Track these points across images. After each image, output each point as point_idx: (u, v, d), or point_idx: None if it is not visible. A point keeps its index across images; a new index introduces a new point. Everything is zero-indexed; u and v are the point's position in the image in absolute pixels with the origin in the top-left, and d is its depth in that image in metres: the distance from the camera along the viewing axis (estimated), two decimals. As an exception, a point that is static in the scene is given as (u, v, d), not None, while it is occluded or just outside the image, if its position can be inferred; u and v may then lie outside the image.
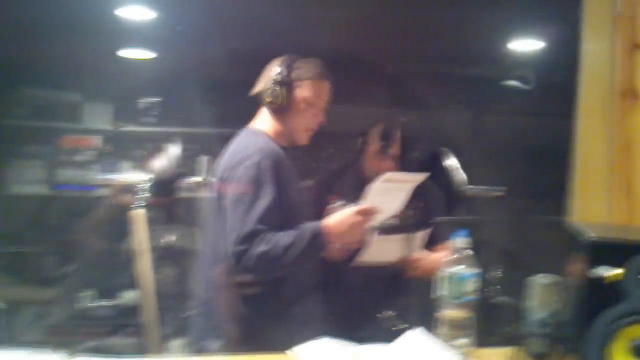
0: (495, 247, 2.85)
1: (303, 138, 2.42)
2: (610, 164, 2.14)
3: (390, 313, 2.47)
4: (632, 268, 1.62)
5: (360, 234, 2.23)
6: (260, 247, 2.09)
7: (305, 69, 2.38)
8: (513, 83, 4.24)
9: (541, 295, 1.83)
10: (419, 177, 2.30)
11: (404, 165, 2.63)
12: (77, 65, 4.07)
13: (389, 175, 2.23)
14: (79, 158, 4.50)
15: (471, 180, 2.90)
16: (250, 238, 2.10)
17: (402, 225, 2.49)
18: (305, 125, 2.40)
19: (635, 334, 1.64)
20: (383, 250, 2.46)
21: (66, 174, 4.48)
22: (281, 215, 2.17)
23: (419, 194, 2.43)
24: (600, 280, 1.61)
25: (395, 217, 2.41)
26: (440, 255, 2.53)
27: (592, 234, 1.67)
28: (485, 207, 3.24)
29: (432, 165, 3.07)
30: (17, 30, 3.60)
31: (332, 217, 2.19)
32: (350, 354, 1.82)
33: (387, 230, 2.45)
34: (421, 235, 2.52)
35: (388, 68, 4.14)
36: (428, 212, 2.63)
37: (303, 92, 2.36)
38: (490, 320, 2.15)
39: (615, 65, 2.16)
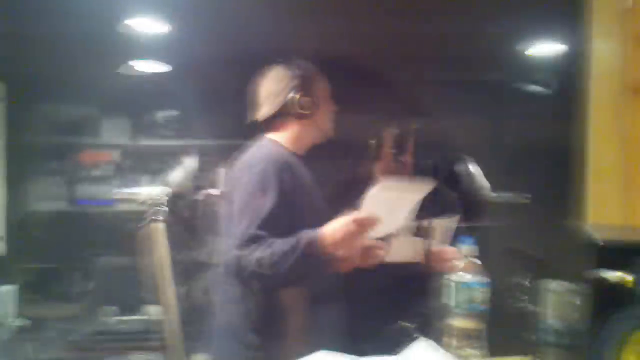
0: (514, 254, 2.77)
1: (330, 130, 2.46)
2: (624, 163, 2.07)
3: (407, 324, 2.40)
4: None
5: (356, 243, 2.20)
6: (257, 253, 2.08)
7: (311, 68, 2.42)
8: (532, 87, 4.16)
9: (556, 303, 1.78)
10: (423, 187, 2.23)
11: (419, 172, 2.59)
12: (93, 80, 4.08)
13: (386, 182, 2.19)
14: (97, 173, 4.52)
15: (498, 187, 2.85)
16: (249, 243, 2.09)
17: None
18: (330, 118, 2.45)
19: None
20: (405, 249, 2.42)
21: (86, 189, 4.50)
22: (289, 222, 2.15)
23: (434, 200, 2.37)
24: (609, 284, 1.56)
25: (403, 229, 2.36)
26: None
27: (599, 237, 1.61)
28: (507, 214, 3.19)
29: (452, 173, 3.03)
30: (34, 46, 3.65)
31: (328, 225, 2.15)
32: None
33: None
34: (442, 224, 2.46)
35: (402, 74, 4.11)
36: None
37: (322, 87, 2.41)
38: (513, 329, 2.07)
39: (625, 61, 2.09)
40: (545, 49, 3.87)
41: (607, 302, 1.57)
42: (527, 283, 2.58)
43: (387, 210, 2.17)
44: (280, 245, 2.09)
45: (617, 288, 1.55)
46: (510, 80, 4.28)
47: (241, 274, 2.14)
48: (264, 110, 2.39)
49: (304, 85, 2.34)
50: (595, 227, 1.83)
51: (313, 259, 2.12)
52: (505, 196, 3.51)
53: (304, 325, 2.24)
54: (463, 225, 2.65)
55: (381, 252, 2.42)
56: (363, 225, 2.13)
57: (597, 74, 2.17)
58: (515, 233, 3.32)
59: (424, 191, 2.21)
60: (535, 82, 4.17)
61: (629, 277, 1.55)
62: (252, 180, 2.19)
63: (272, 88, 2.38)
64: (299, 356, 1.81)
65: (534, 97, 4.24)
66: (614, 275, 1.55)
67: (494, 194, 3.23)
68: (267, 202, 2.14)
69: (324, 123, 2.42)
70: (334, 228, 2.13)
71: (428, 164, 2.57)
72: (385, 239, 2.40)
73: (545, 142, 3.69)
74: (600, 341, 1.57)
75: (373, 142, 2.73)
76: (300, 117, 2.36)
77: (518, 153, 4.31)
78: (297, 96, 2.33)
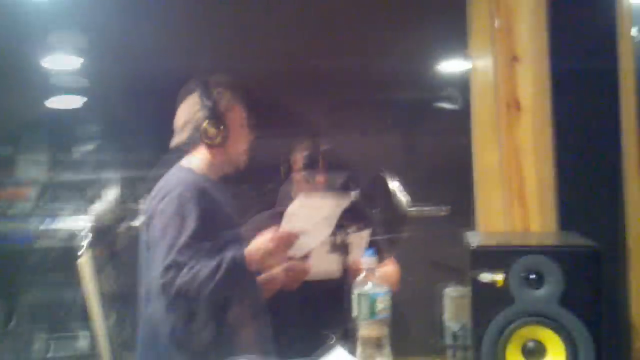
0: (432, 263, 2.92)
1: (243, 160, 2.46)
2: (503, 173, 2.21)
3: (328, 334, 2.49)
4: (514, 271, 1.67)
5: (280, 259, 2.27)
6: (181, 278, 2.11)
7: (227, 92, 2.42)
8: (441, 103, 4.34)
9: (453, 307, 1.88)
10: (341, 199, 2.31)
11: (335, 190, 2.64)
12: (8, 116, 4.09)
13: (303, 198, 2.27)
14: (16, 209, 4.45)
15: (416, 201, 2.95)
16: (171, 269, 2.12)
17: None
18: (244, 147, 2.45)
19: (526, 335, 1.69)
20: (323, 263, 2.47)
21: (4, 226, 4.41)
22: (208, 245, 2.18)
23: (352, 216, 2.47)
24: (486, 286, 1.66)
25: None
26: (387, 268, 2.60)
27: (475, 242, 1.74)
28: (426, 225, 3.31)
29: (371, 188, 3.13)
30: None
31: (251, 244, 2.21)
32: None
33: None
34: (358, 238, 2.50)
35: (315, 95, 4.22)
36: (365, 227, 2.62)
37: (235, 116, 2.41)
38: (423, 334, 2.21)
39: (497, 77, 2.22)
40: (449, 66, 4.05)
41: (485, 304, 1.68)
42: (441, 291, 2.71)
43: (308, 224, 2.24)
44: (203, 268, 2.12)
45: (494, 289, 1.66)
46: (418, 97, 4.41)
47: (166, 299, 2.18)
48: (177, 138, 2.42)
49: (213, 115, 2.34)
50: (481, 235, 1.98)
51: (237, 277, 2.17)
52: (425, 209, 3.64)
53: (230, 338, 2.29)
54: (384, 237, 2.75)
55: (303, 273, 2.50)
56: (284, 241, 2.20)
57: (476, 88, 2.31)
58: (433, 243, 3.42)
59: (343, 203, 2.29)
60: (441, 99, 4.33)
61: (499, 278, 1.66)
62: (168, 207, 2.21)
63: (183, 117, 2.40)
64: None
65: (441, 112, 4.38)
66: (487, 277, 1.67)
67: (413, 207, 3.33)
68: (185, 227, 2.17)
69: (235, 152, 2.43)
70: (256, 247, 2.19)
71: (343, 182, 2.65)
72: (306, 256, 2.46)
73: (452, 156, 3.88)
74: (482, 342, 1.67)
75: (285, 163, 2.78)
76: (210, 145, 2.37)
77: (430, 167, 4.46)
78: (205, 126, 2.34)
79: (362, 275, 1.89)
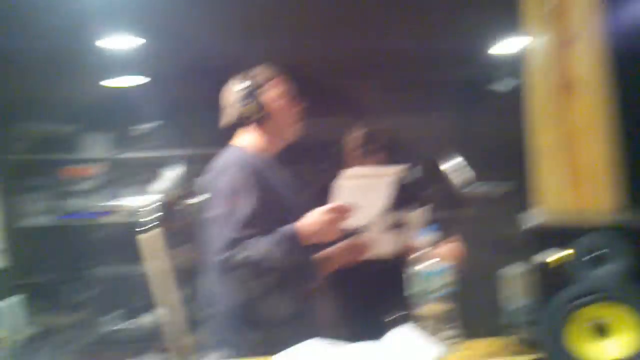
0: (494, 242, 2.88)
1: (295, 131, 2.47)
2: (564, 152, 2.19)
3: (396, 313, 2.50)
4: (580, 249, 1.66)
5: (334, 232, 2.25)
6: (241, 255, 2.15)
7: (262, 72, 2.45)
8: (495, 85, 4.27)
9: (515, 286, 1.86)
10: (394, 170, 2.28)
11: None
12: (71, 96, 4.18)
13: (351, 170, 2.24)
14: (81, 187, 4.60)
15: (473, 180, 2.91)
16: (230, 247, 2.16)
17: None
18: (293, 117, 2.47)
19: (591, 314, 1.67)
20: (382, 240, 2.49)
21: (71, 204, 4.58)
22: (268, 222, 2.21)
23: (410, 194, 2.48)
24: (549, 264, 1.65)
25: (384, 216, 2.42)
26: (451, 245, 2.60)
27: (537, 221, 1.72)
28: (490, 204, 3.25)
29: (431, 166, 3.11)
30: (15, 66, 3.70)
31: (304, 219, 2.23)
32: (336, 353, 1.85)
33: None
34: (415, 216, 2.51)
35: (371, 75, 4.20)
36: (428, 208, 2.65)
37: (272, 92, 2.43)
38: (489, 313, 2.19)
39: (552, 58, 2.20)
40: (505, 46, 3.97)
41: (547, 283, 1.66)
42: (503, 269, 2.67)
43: (360, 197, 2.22)
44: (261, 244, 2.16)
45: (555, 268, 1.65)
46: (474, 78, 4.37)
47: (229, 275, 2.22)
48: (226, 119, 2.46)
49: (255, 93, 2.38)
50: (542, 213, 1.95)
51: (294, 252, 2.20)
52: (485, 187, 3.58)
53: (296, 317, 2.31)
54: (445, 216, 2.72)
55: (364, 249, 2.53)
56: (337, 214, 2.20)
57: (531, 70, 2.28)
58: (494, 222, 3.37)
59: (397, 174, 2.26)
60: (498, 79, 4.27)
61: (566, 257, 1.64)
62: (225, 186, 2.26)
63: (230, 97, 2.45)
64: (292, 345, 1.91)
65: (499, 93, 4.33)
66: (550, 255, 1.65)
67: (477, 185, 3.30)
68: (244, 205, 2.21)
69: (284, 126, 2.45)
70: (309, 221, 2.21)
71: (399, 162, 2.63)
72: (365, 233, 2.48)
73: (509, 135, 3.81)
74: (545, 319, 1.65)
75: (343, 142, 2.79)
76: (256, 123, 2.41)
77: (487, 147, 4.38)
78: (248, 104, 2.38)
79: (422, 251, 1.91)
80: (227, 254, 2.17)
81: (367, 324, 2.47)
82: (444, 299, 1.87)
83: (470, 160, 3.41)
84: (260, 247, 2.16)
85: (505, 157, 3.67)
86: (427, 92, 4.33)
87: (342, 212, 2.22)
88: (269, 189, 2.31)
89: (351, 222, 2.27)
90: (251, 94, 2.39)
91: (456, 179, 2.93)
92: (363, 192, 2.24)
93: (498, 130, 4.08)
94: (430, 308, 1.88)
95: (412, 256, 1.96)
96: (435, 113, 4.50)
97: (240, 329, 2.29)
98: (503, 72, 4.19)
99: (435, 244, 1.93)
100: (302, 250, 2.23)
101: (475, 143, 4.39)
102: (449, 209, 2.82)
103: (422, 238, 1.96)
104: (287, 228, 2.21)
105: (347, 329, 2.29)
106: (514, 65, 3.50)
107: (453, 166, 2.91)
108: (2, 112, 4.26)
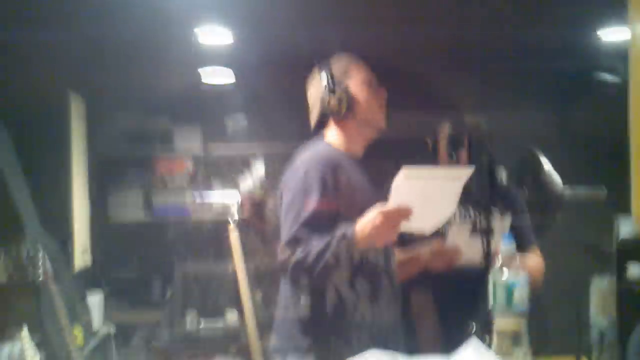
0: (587, 251, 2.67)
1: (381, 118, 2.35)
2: None
3: (467, 324, 2.34)
4: None
5: (387, 235, 2.11)
6: (298, 254, 2.08)
7: (344, 61, 2.35)
8: (600, 75, 4.00)
9: (600, 301, 1.70)
10: (459, 173, 2.11)
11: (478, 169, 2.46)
12: (165, 91, 4.19)
13: (407, 170, 2.02)
14: (173, 182, 4.60)
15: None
16: (291, 245, 2.10)
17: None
18: (378, 103, 2.35)
19: None
20: (462, 247, 2.34)
21: (162, 199, 4.59)
22: (335, 222, 2.12)
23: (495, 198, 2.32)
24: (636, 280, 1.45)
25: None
26: (529, 260, 2.44)
27: (626, 231, 1.51)
28: (582, 208, 3.04)
29: (520, 168, 2.92)
30: (108, 60, 3.75)
31: (360, 220, 2.10)
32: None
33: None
34: (501, 221, 2.35)
35: (458, 67, 4.03)
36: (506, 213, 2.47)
37: (356, 82, 2.32)
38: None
39: None
40: (608, 35, 3.69)
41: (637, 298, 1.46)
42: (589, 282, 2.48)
43: (421, 199, 2.04)
44: (318, 244, 2.08)
45: None
46: (570, 69, 4.09)
47: (286, 275, 2.15)
48: (312, 114, 2.39)
49: (332, 86, 2.28)
50: (635, 222, 1.71)
51: (347, 254, 2.09)
52: (580, 190, 3.39)
53: (358, 324, 2.21)
54: (530, 222, 2.57)
55: (451, 257, 2.39)
56: (392, 216, 2.05)
57: (636, 58, 2.04)
58: (586, 229, 3.18)
59: (462, 177, 2.06)
60: (600, 70, 3.99)
61: None
62: (296, 182, 2.19)
63: (312, 92, 2.38)
64: (352, 354, 1.82)
65: (600, 85, 4.07)
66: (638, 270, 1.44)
67: (567, 189, 3.10)
68: (310, 203, 2.13)
69: (370, 116, 2.34)
70: (363, 222, 2.08)
71: (488, 161, 2.45)
72: (449, 239, 2.35)
73: (610, 133, 3.55)
74: (632, 338, 1.47)
75: (429, 140, 2.66)
76: (340, 116, 2.31)
77: (585, 145, 4.14)
78: (328, 97, 2.29)
79: (500, 262, 1.78)
80: (284, 254, 2.11)
81: (440, 335, 2.43)
82: (516, 314, 1.75)
83: (566, 161, 3.22)
84: (315, 247, 2.07)
85: (607, 155, 3.42)
86: (525, 84, 4.14)
87: (399, 214, 2.05)
88: (343, 189, 2.21)
89: (412, 226, 2.11)
90: (334, 83, 2.30)
91: (549, 180, 2.74)
92: (423, 194, 2.05)
93: (601, 126, 3.82)
94: (502, 323, 1.74)
95: (492, 266, 1.83)
96: (531, 109, 4.24)
97: (303, 333, 2.21)
98: (605, 65, 3.89)
99: (512, 253, 1.77)
100: (354, 252, 2.11)
101: (573, 142, 4.16)
102: (538, 214, 2.67)
103: (500, 246, 1.81)
104: (343, 229, 2.10)
105: (419, 339, 2.24)
106: (619, 55, 3.25)
107: (546, 166, 2.73)
108: (96, 107, 4.33)
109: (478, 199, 2.18)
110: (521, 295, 1.73)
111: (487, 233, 2.10)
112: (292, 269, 2.09)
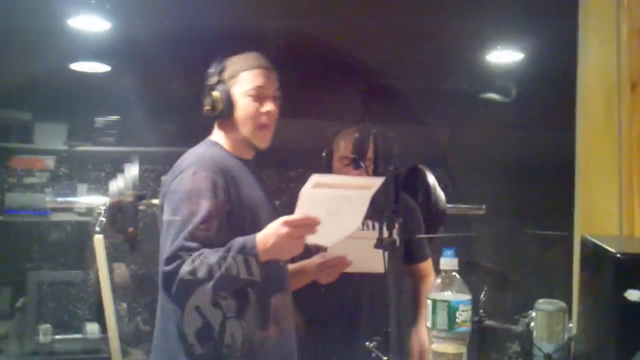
0: (485, 268, 2.65)
1: (259, 138, 2.18)
2: (619, 167, 1.92)
3: (370, 342, 2.24)
4: None
5: (294, 248, 1.95)
6: (186, 266, 1.88)
7: (239, 62, 2.18)
8: (493, 95, 4.09)
9: (546, 324, 1.65)
10: (369, 182, 2.02)
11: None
12: (27, 80, 3.88)
13: (318, 177, 1.89)
14: (30, 180, 4.26)
15: (454, 198, 2.73)
16: (177, 257, 1.91)
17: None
18: (255, 121, 2.16)
19: None
20: (362, 257, 2.22)
21: (17, 198, 4.22)
22: (225, 231, 1.98)
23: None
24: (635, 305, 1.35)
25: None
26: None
27: (617, 249, 1.41)
28: (467, 226, 3.09)
29: (410, 182, 2.91)
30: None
31: (262, 231, 1.95)
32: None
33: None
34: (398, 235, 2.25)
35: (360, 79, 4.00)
36: (405, 228, 2.46)
37: (240, 86, 2.15)
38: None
39: (621, 54, 1.95)
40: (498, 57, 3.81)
41: (632, 327, 1.36)
42: (482, 297, 2.46)
43: (328, 208, 1.93)
44: (210, 255, 1.90)
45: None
46: (482, 91, 4.19)
47: (169, 290, 1.94)
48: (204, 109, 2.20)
49: (214, 84, 2.14)
50: (597, 239, 1.65)
51: (245, 267, 1.92)
52: (462, 208, 3.45)
53: (246, 339, 2.05)
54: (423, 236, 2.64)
55: (341, 267, 2.30)
56: (299, 226, 1.90)
57: (587, 70, 2.04)
58: (472, 245, 3.24)
59: (372, 187, 1.97)
60: (507, 93, 4.08)
61: None
62: (180, 186, 2.02)
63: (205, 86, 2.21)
64: None
65: (491, 104, 4.16)
66: (636, 294, 1.35)
67: (449, 205, 3.12)
68: (196, 210, 1.96)
69: (246, 127, 2.16)
70: (266, 233, 1.92)
71: (391, 172, 2.39)
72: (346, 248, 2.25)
73: (497, 150, 3.64)
74: None
75: (327, 148, 2.61)
76: (216, 118, 2.17)
77: (470, 163, 4.24)
78: (209, 96, 2.14)
79: (439, 279, 1.69)
80: (170, 265, 1.91)
81: (335, 349, 2.40)
82: (457, 336, 1.64)
83: (457, 176, 3.27)
84: (208, 258, 1.89)
85: (492, 173, 3.51)
86: (419, 100, 4.12)
87: (306, 224, 1.90)
88: (234, 196, 2.06)
89: (317, 238, 1.96)
90: (213, 83, 2.15)
91: (435, 195, 2.75)
92: (332, 204, 1.93)
93: (490, 144, 3.93)
94: (441, 345, 1.64)
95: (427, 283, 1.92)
96: (427, 122, 4.29)
97: (186, 353, 2.02)
98: (501, 82, 3.98)
99: (455, 269, 1.68)
100: (253, 265, 1.92)
101: (463, 157, 4.26)
102: (426, 228, 2.72)
103: (441, 261, 1.71)
104: (243, 239, 1.93)
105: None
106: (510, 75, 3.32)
107: (433, 182, 2.73)
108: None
109: (382, 209, 2.04)
110: (465, 315, 1.62)
111: (389, 244, 2.01)
112: (178, 283, 1.88)
